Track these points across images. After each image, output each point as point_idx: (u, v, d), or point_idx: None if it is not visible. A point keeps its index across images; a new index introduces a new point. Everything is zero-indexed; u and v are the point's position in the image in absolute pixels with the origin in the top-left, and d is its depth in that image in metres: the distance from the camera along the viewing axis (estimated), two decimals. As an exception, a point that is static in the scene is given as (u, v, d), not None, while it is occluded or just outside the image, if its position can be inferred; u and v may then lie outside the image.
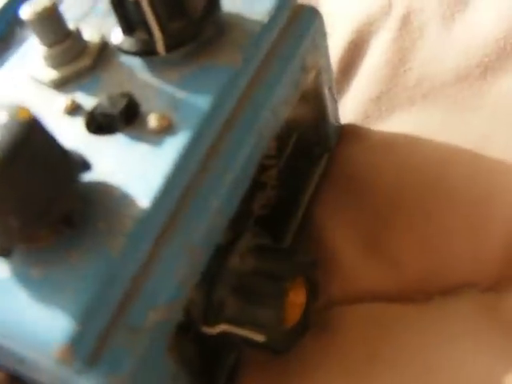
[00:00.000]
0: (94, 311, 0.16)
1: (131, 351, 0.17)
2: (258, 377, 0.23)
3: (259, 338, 0.20)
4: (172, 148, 0.19)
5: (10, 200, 0.16)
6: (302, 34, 0.23)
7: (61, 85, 0.22)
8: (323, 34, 0.25)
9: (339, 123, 0.29)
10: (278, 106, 0.22)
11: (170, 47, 0.21)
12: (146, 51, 0.21)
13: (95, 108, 0.21)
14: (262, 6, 0.22)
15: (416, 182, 0.26)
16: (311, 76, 0.25)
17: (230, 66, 0.21)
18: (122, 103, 0.20)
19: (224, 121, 0.20)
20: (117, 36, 0.21)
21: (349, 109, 0.30)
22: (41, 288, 0.17)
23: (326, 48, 0.25)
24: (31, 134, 0.16)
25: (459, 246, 0.25)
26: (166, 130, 0.20)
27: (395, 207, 0.26)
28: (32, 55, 0.23)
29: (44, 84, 0.22)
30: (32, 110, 0.16)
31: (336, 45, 0.32)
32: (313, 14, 0.24)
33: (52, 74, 0.22)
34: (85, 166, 0.19)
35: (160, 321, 0.18)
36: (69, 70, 0.22)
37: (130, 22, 0.21)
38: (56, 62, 0.22)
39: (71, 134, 0.20)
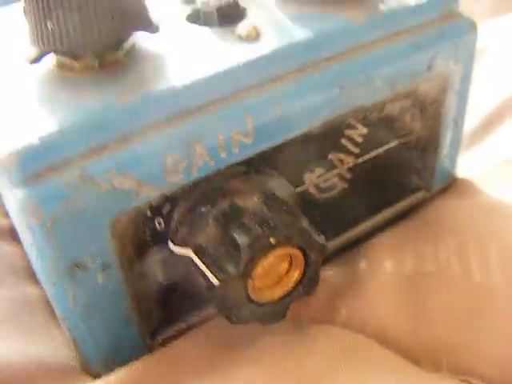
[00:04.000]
0: (66, 138, 0.16)
1: (72, 194, 0.16)
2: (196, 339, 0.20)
3: (214, 281, 0.17)
4: (236, 57, 0.18)
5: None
6: (444, 35, 0.21)
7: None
8: (469, 55, 0.22)
9: (453, 169, 0.26)
10: (375, 81, 0.20)
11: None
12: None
13: (202, 3, 0.20)
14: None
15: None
16: (433, 84, 0.22)
17: (349, 20, 0.20)
18: (221, 4, 0.20)
19: (306, 61, 0.19)
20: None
21: (469, 162, 0.27)
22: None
23: (463, 71, 0.23)
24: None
25: None
26: (249, 40, 0.19)
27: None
28: None
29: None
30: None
31: (496, 92, 0.29)
32: (467, 27, 0.22)
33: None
34: (151, 26, 0.18)
35: (119, 188, 0.16)
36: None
37: None
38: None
39: (172, 17, 0.21)
